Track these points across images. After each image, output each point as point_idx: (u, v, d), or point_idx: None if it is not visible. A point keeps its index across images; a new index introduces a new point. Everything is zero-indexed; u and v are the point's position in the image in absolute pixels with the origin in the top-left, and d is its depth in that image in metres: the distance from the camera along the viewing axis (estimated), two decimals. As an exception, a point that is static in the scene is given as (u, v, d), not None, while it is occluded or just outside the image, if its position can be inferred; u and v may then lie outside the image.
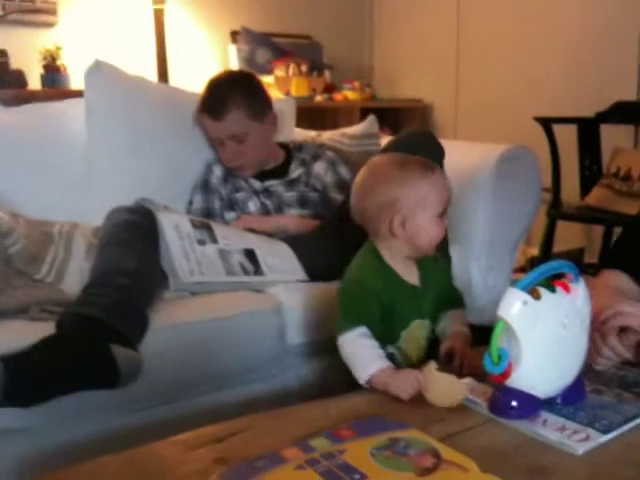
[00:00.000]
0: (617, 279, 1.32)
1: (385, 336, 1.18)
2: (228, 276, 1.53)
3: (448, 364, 1.15)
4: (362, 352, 1.13)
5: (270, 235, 1.73)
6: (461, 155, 1.85)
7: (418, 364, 1.15)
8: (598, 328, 1.10)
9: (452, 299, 1.29)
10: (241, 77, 2.01)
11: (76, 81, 2.90)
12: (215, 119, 1.86)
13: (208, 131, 1.92)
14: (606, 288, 1.28)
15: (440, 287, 1.27)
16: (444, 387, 1.03)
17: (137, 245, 1.43)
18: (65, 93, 2.61)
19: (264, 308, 1.49)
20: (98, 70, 1.88)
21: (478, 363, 1.01)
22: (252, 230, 1.72)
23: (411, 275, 1.23)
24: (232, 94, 1.85)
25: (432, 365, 1.06)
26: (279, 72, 3.53)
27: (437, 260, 1.28)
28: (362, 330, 1.15)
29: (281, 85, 3.48)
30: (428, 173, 1.19)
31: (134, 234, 1.45)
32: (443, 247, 1.60)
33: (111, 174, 1.85)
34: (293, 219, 1.85)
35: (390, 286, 1.19)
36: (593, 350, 1.09)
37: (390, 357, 1.17)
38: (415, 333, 1.23)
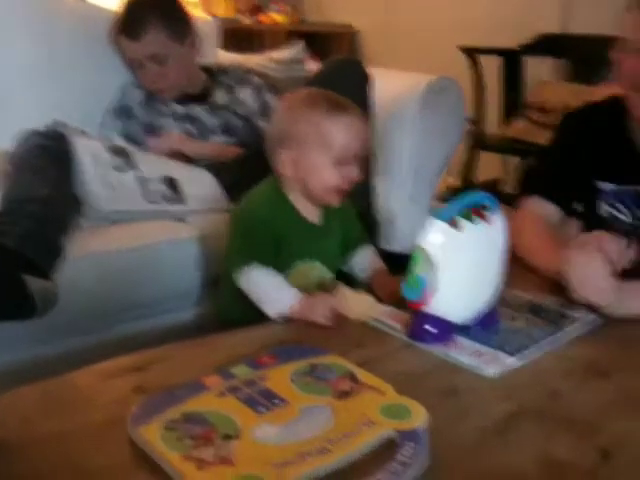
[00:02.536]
0: (542, 207, 1.36)
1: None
2: (148, 204, 1.49)
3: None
4: (266, 287, 1.09)
5: (191, 162, 1.69)
6: (387, 85, 1.83)
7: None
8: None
9: (359, 238, 1.27)
10: (160, -4, 1.91)
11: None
12: (133, 39, 1.77)
13: (126, 52, 1.83)
14: (539, 223, 1.32)
15: (345, 227, 1.23)
16: (358, 303, 1.07)
17: (50, 172, 1.37)
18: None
19: (184, 237, 1.46)
20: (5, -16, 1.75)
21: (397, 290, 1.03)
22: (173, 155, 1.68)
23: (311, 213, 1.18)
24: (151, 14, 1.76)
25: (341, 286, 1.09)
26: (203, -9, 3.39)
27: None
28: (257, 264, 1.10)
29: (205, 5, 3.35)
30: (335, 112, 1.10)
31: (47, 160, 1.39)
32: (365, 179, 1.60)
33: (20, 97, 1.75)
34: (217, 147, 1.81)
35: (282, 217, 1.14)
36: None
37: None
38: (304, 274, 1.17)
